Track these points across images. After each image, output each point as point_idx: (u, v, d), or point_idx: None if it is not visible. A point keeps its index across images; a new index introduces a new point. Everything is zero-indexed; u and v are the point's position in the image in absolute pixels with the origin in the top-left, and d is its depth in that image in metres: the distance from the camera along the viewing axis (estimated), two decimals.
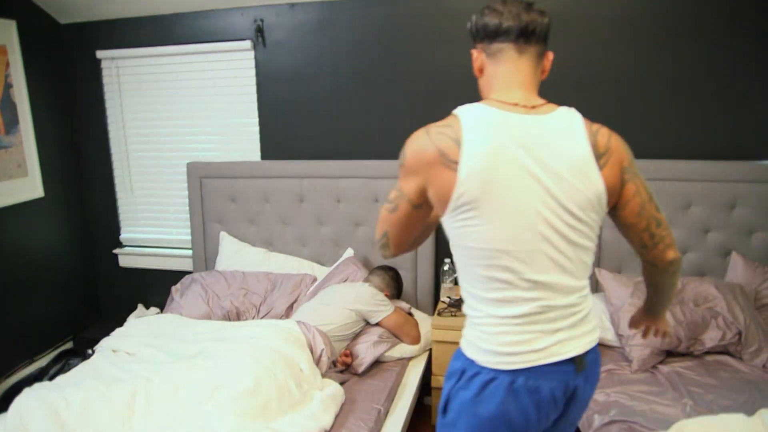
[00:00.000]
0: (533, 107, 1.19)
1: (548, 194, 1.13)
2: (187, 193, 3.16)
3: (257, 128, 3.04)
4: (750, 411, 1.83)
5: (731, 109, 2.49)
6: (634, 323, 1.55)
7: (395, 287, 2.63)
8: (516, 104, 1.18)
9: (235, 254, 3.00)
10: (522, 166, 1.12)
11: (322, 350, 2.16)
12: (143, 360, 2.22)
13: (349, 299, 2.37)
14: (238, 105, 3.04)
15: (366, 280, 2.61)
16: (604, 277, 2.47)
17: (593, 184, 1.16)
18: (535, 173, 1.12)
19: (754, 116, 2.48)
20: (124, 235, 3.38)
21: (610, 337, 2.35)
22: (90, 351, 2.58)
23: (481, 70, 1.26)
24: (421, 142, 1.16)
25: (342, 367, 2.25)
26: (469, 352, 1.23)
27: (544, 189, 1.13)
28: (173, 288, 2.82)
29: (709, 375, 2.08)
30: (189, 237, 3.24)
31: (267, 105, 2.99)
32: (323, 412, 1.86)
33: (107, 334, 2.48)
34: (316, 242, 2.97)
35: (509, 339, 1.17)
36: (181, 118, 3.13)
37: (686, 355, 2.23)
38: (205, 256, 3.14)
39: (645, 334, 1.54)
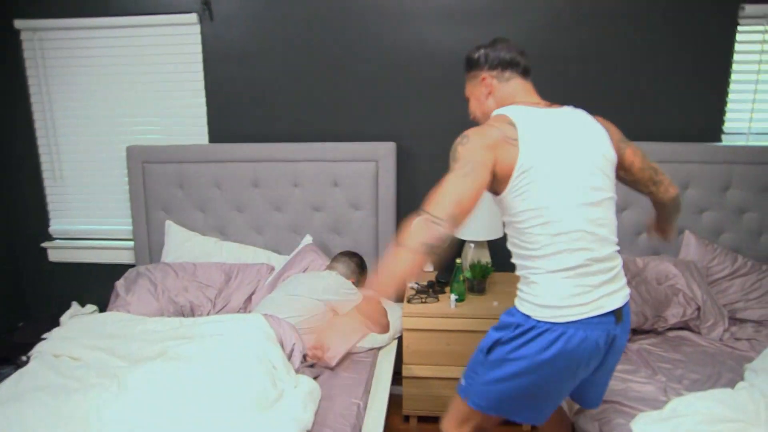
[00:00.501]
0: (548, 105, 1.48)
1: (585, 157, 1.40)
2: (126, 179, 2.91)
3: (204, 109, 2.83)
4: (716, 382, 1.92)
5: (684, 93, 2.57)
6: (650, 230, 1.92)
7: (360, 274, 2.54)
8: (537, 103, 1.48)
9: (183, 244, 2.79)
10: (563, 140, 1.40)
11: (294, 345, 2.04)
12: (93, 365, 2.00)
13: (318, 289, 2.26)
14: (182, 84, 2.81)
15: (330, 268, 2.50)
16: None
17: (609, 152, 1.47)
18: (574, 144, 1.40)
19: (705, 100, 2.57)
20: (54, 227, 3.07)
21: None
22: (24, 358, 2.32)
23: (490, 93, 1.53)
24: (484, 132, 1.39)
25: (314, 360, 2.15)
26: (524, 308, 1.42)
27: (581, 154, 1.40)
28: (117, 283, 2.58)
29: (673, 350, 2.16)
30: (129, 227, 2.99)
31: (215, 84, 2.78)
32: (303, 411, 1.75)
33: (38, 336, 2.24)
34: (273, 229, 2.82)
35: (563, 293, 1.36)
36: (118, 98, 2.85)
37: (650, 332, 2.30)
38: (149, 247, 2.90)
39: (661, 234, 1.88)
